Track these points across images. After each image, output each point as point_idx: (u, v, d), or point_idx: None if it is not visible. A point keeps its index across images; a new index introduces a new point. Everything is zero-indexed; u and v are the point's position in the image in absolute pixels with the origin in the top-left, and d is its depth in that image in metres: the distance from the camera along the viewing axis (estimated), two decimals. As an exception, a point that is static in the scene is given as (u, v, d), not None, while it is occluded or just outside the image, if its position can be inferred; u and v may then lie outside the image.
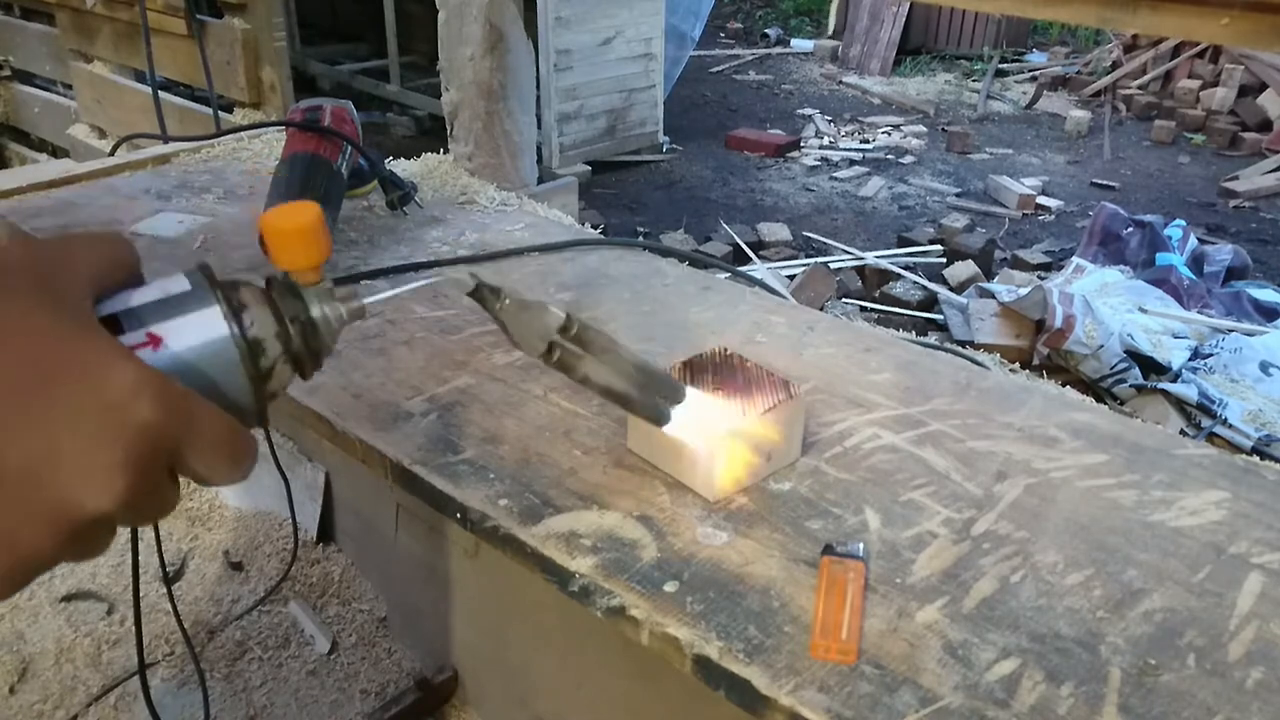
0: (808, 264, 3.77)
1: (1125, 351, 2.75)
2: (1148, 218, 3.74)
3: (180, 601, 1.60)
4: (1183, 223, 3.82)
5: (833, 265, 3.83)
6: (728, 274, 1.25)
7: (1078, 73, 7.36)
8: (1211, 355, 2.82)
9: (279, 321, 0.44)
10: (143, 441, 0.35)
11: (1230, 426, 2.47)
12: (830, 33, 8.24)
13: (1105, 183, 5.33)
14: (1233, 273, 3.56)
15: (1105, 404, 1.00)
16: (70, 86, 3.00)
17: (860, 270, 3.86)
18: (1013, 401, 0.84)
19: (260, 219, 0.46)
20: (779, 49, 8.21)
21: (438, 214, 1.24)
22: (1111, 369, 2.72)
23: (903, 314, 3.43)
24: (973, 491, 0.72)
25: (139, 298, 0.41)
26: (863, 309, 3.47)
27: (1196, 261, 3.57)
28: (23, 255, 0.37)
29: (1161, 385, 2.61)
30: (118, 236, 0.43)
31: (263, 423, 0.44)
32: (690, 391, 0.64)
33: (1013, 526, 0.68)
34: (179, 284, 0.43)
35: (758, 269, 3.75)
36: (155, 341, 0.40)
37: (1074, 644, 0.58)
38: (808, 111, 6.50)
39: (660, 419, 0.62)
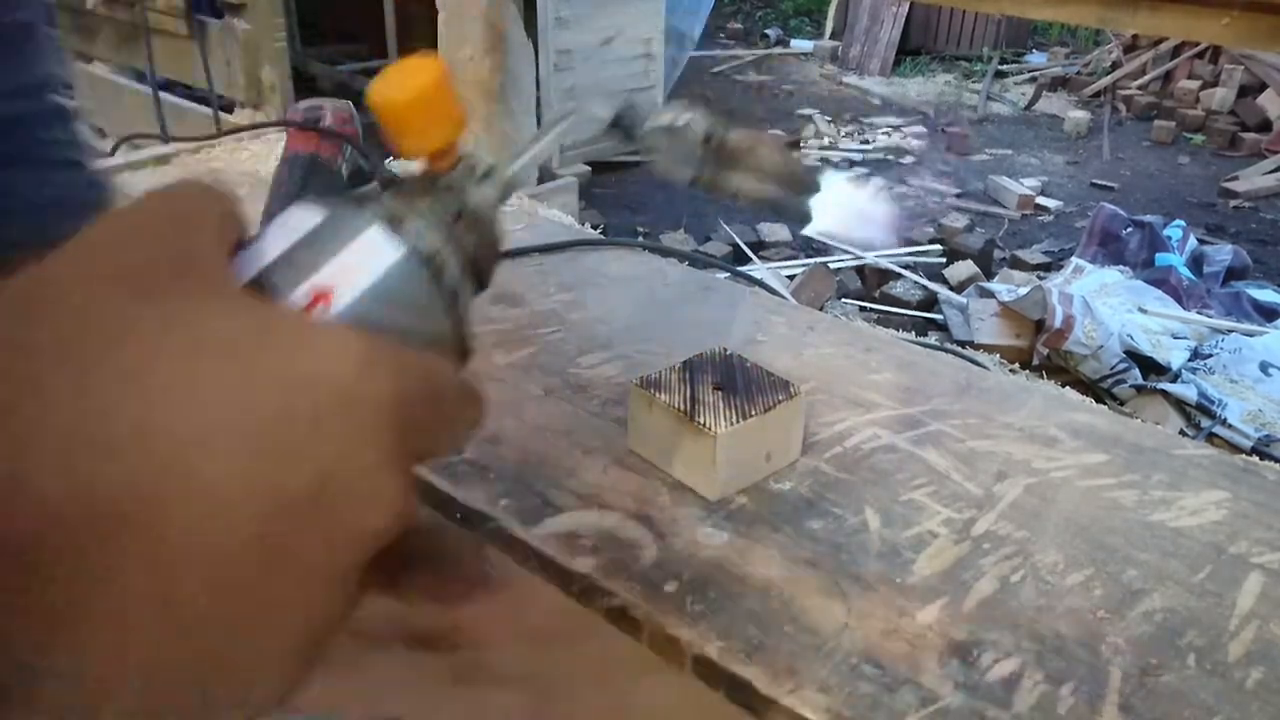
0: (808, 264, 3.77)
1: (1125, 352, 2.75)
2: (1147, 218, 3.75)
3: (180, 602, 1.61)
4: (1182, 223, 3.82)
5: (832, 265, 3.83)
6: (728, 274, 1.25)
7: (1077, 73, 7.36)
8: (1211, 355, 2.82)
9: (443, 224, 0.35)
10: (397, 423, 0.27)
11: (1230, 427, 2.47)
12: (830, 33, 8.24)
13: (1105, 183, 5.34)
14: (1232, 273, 3.56)
15: (1105, 404, 1.00)
16: (70, 86, 3.01)
17: (860, 270, 3.86)
18: (1013, 401, 0.84)
19: (370, 93, 0.35)
20: (779, 49, 8.21)
21: (438, 214, 1.24)
22: (1111, 369, 2.73)
23: (903, 314, 3.43)
24: (973, 491, 0.72)
25: (271, 248, 0.31)
26: (863, 309, 3.47)
27: (1196, 262, 3.57)
28: (150, 230, 0.28)
29: (1161, 385, 2.61)
30: (211, 183, 0.32)
31: (464, 360, 0.35)
32: (825, 179, 0.57)
33: (1013, 526, 0.68)
34: (308, 216, 0.32)
35: (758, 269, 3.75)
36: (324, 296, 0.30)
37: (1074, 644, 0.58)
38: (807, 112, 6.50)
39: (807, 217, 0.56)
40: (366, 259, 0.31)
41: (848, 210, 0.62)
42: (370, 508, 0.26)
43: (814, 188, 0.56)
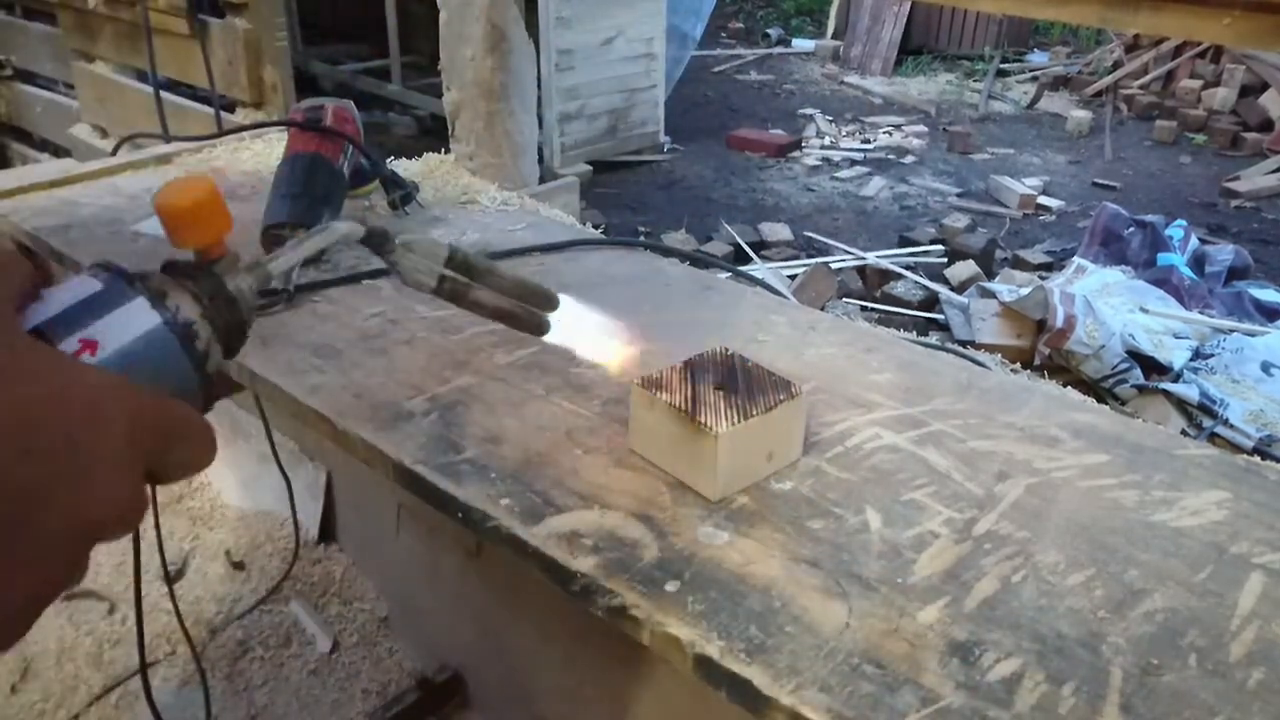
0: (809, 264, 3.77)
1: (1126, 352, 2.75)
2: (1149, 218, 3.74)
3: (182, 601, 1.60)
4: (1184, 223, 3.82)
5: (834, 265, 3.83)
6: (729, 274, 1.25)
7: (1079, 73, 7.35)
8: (1213, 355, 2.82)
9: (198, 301, 0.43)
10: (128, 447, 0.35)
11: (1231, 427, 2.47)
12: (831, 33, 8.24)
13: (1106, 183, 5.33)
14: (1234, 273, 3.55)
15: (1106, 404, 1.00)
16: (72, 86, 3.01)
17: (861, 270, 3.86)
18: (1014, 402, 0.84)
19: (155, 199, 0.46)
20: (780, 49, 8.21)
21: (439, 214, 1.24)
22: (1113, 369, 2.72)
23: (904, 314, 3.42)
24: (974, 491, 0.72)
25: (54, 306, 0.40)
26: (864, 309, 3.47)
27: (1198, 262, 3.57)
28: None
29: (1163, 385, 2.61)
30: (6, 246, 0.45)
31: (206, 409, 0.44)
32: (563, 298, 0.64)
33: (1014, 526, 0.68)
34: (89, 285, 0.41)
35: (759, 269, 3.75)
36: (90, 346, 0.39)
37: (1075, 644, 0.58)
38: (809, 111, 6.50)
39: (542, 328, 0.63)
40: (128, 322, 0.40)
41: (585, 325, 0.66)
42: (97, 503, 0.34)
43: (553, 303, 0.63)
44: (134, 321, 0.41)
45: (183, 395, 0.41)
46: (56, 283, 0.42)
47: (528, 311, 0.62)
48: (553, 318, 0.63)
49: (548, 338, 0.64)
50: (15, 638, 0.34)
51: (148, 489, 0.39)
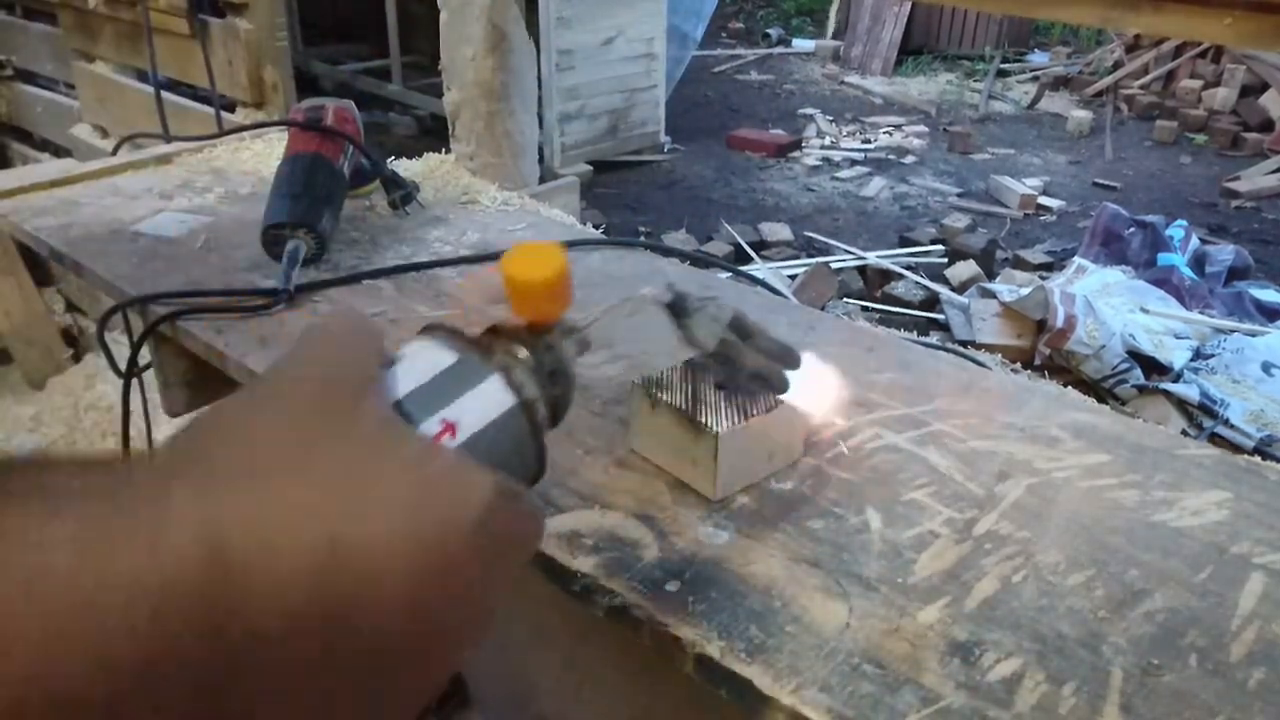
0: (809, 264, 3.77)
1: (1127, 352, 2.75)
2: (1149, 218, 3.74)
3: (182, 601, 1.61)
4: (1184, 223, 3.82)
5: (834, 265, 3.83)
6: (729, 274, 1.25)
7: (1079, 73, 7.35)
8: (1213, 356, 2.82)
9: (541, 378, 0.42)
10: (506, 551, 0.33)
11: (1232, 427, 2.46)
12: (832, 33, 8.24)
13: (1107, 183, 5.33)
14: (1234, 273, 3.55)
15: (1107, 404, 1.00)
16: (72, 86, 3.01)
17: (862, 270, 3.86)
18: (1014, 401, 0.84)
19: (504, 266, 0.42)
20: (780, 49, 8.21)
21: (440, 214, 1.24)
22: (1113, 369, 2.72)
23: (904, 314, 3.43)
24: (974, 491, 0.72)
25: (411, 380, 0.38)
26: (864, 309, 3.47)
27: (1198, 262, 3.57)
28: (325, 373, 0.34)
29: (1163, 386, 2.61)
30: (361, 315, 0.40)
31: (539, 480, 0.42)
32: (806, 357, 0.67)
33: (1014, 526, 0.68)
34: (442, 356, 0.39)
35: (759, 269, 3.75)
36: (451, 429, 0.37)
37: (1076, 644, 0.58)
38: (809, 111, 6.50)
39: (785, 387, 0.65)
40: (486, 403, 0.38)
41: (816, 383, 0.76)
42: (477, 622, 0.33)
43: (797, 361, 0.65)
44: (490, 403, 0.38)
45: (524, 476, 0.40)
46: None
47: (778, 372, 0.65)
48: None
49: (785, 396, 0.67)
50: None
51: None
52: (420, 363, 0.38)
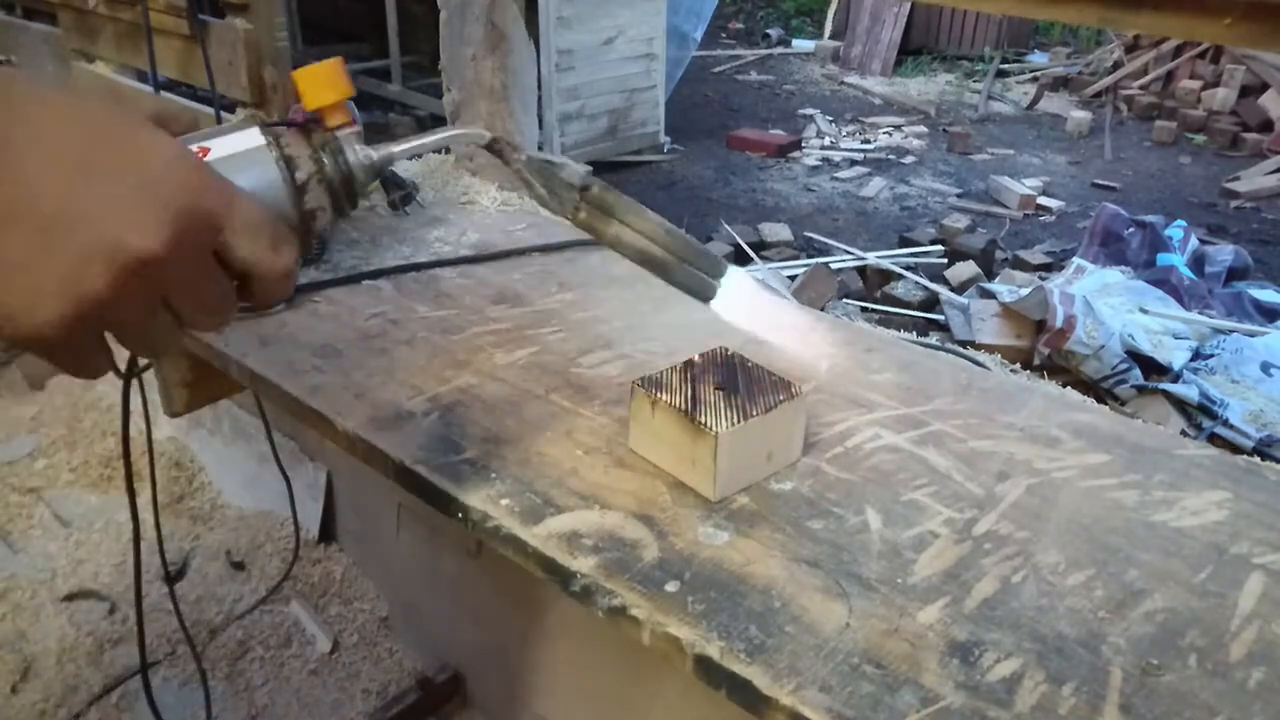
0: (809, 264, 3.77)
1: (1126, 352, 2.75)
2: (1149, 218, 3.74)
3: (182, 601, 1.60)
4: (1184, 223, 3.82)
5: (834, 265, 3.83)
6: (729, 274, 1.25)
7: (1079, 73, 7.35)
8: (1213, 356, 2.82)
9: (312, 147, 0.51)
10: (185, 199, 0.40)
11: (1231, 427, 2.47)
12: (831, 33, 8.24)
13: (1106, 183, 5.33)
14: (1234, 273, 3.55)
15: (1106, 404, 1.00)
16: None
17: (861, 270, 3.86)
18: (1014, 402, 0.84)
19: (293, 72, 0.56)
20: (780, 49, 8.21)
21: (439, 214, 1.24)
22: (1112, 369, 2.72)
23: (904, 314, 3.42)
24: (974, 492, 0.72)
25: (194, 135, 0.48)
26: (864, 309, 3.47)
27: (1197, 262, 3.57)
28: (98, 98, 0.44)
29: (1163, 386, 2.61)
30: (175, 101, 0.53)
31: (305, 243, 0.51)
32: (733, 269, 0.62)
33: (1014, 527, 0.68)
34: (228, 124, 0.51)
35: (759, 269, 3.75)
36: (203, 152, 0.47)
37: (1075, 644, 0.58)
38: (809, 112, 6.50)
39: (704, 291, 0.60)
40: (239, 141, 0.49)
41: (758, 309, 0.64)
42: (135, 231, 0.39)
43: (719, 268, 0.61)
44: (244, 141, 0.49)
45: (276, 214, 0.48)
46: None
47: (686, 268, 0.59)
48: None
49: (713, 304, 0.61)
50: (50, 329, 0.39)
51: (228, 282, 0.44)
52: (209, 129, 0.49)
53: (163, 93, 2.39)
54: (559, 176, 0.57)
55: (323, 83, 0.55)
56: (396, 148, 0.56)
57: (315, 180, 0.51)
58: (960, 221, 4.43)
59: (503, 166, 0.58)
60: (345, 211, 0.53)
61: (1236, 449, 2.34)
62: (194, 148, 0.47)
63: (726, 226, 4.36)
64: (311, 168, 0.51)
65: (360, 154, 0.54)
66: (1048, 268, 3.91)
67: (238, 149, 0.48)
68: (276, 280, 0.44)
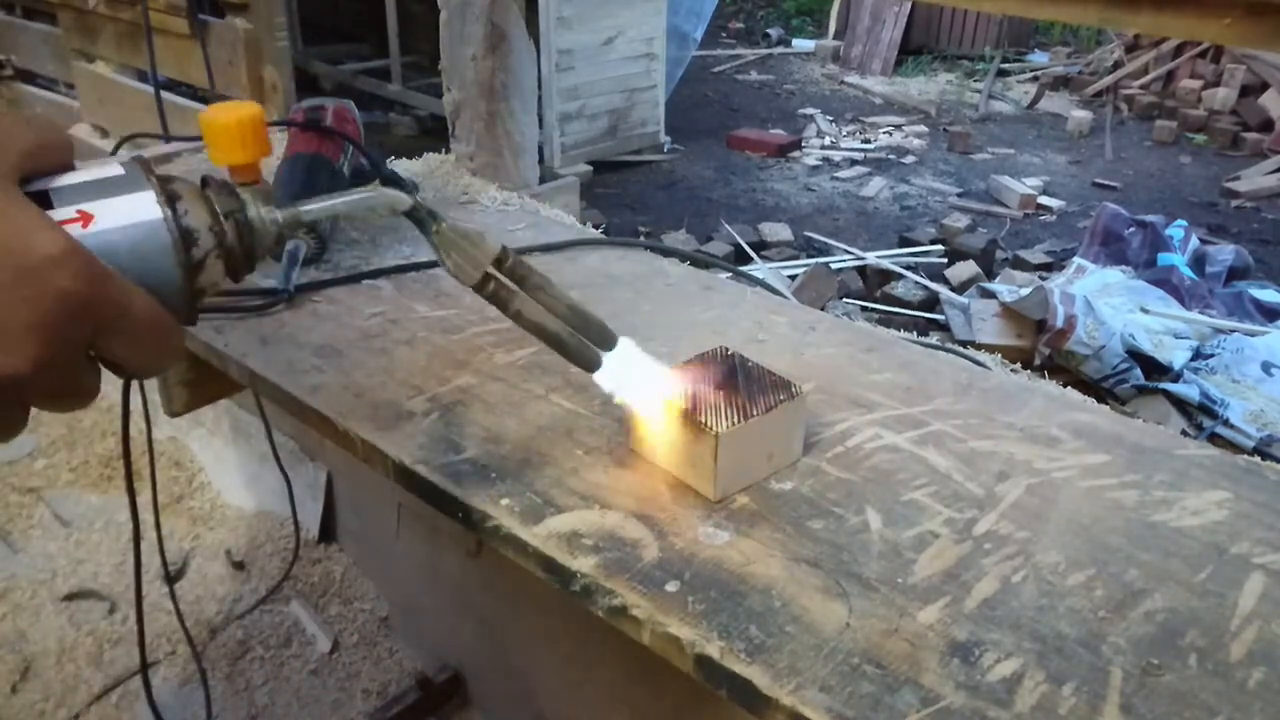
0: (809, 264, 3.77)
1: (1127, 352, 2.75)
2: (1149, 218, 3.74)
3: (182, 600, 1.61)
4: (1184, 223, 3.82)
5: (834, 265, 3.83)
6: (729, 274, 1.25)
7: (1079, 73, 7.36)
8: (1213, 355, 2.82)
9: (213, 215, 0.44)
10: (59, 309, 0.36)
11: (1232, 427, 2.47)
12: (832, 33, 8.24)
13: (1107, 183, 5.33)
14: (1234, 273, 3.56)
15: (1107, 404, 1.00)
16: (72, 86, 3.00)
17: (862, 270, 3.86)
18: (1014, 402, 0.84)
19: (200, 115, 0.49)
20: (781, 49, 8.21)
21: (439, 213, 1.24)
22: (1113, 369, 2.72)
23: (904, 314, 3.43)
24: (974, 491, 0.72)
25: (70, 179, 0.42)
26: (864, 309, 3.47)
27: (1198, 262, 3.57)
28: None
29: (1163, 386, 2.61)
30: (50, 123, 0.44)
31: (191, 320, 0.45)
32: (623, 341, 0.63)
33: (1014, 527, 0.68)
34: (113, 169, 0.42)
35: (759, 269, 3.75)
36: (85, 219, 0.40)
37: (1076, 644, 0.58)
38: (809, 111, 6.50)
39: (590, 365, 0.61)
40: (130, 208, 0.41)
41: (638, 374, 0.67)
42: (2, 355, 0.35)
43: (609, 341, 0.61)
44: (137, 210, 0.42)
45: (163, 297, 0.42)
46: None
47: (577, 341, 0.60)
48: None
49: (595, 377, 0.63)
50: None
51: (98, 370, 0.41)
52: (93, 171, 0.42)
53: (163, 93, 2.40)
54: (477, 248, 0.56)
55: (234, 140, 0.50)
56: (304, 208, 0.50)
57: (214, 256, 0.45)
58: (960, 221, 4.43)
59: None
60: (239, 278, 0.48)
61: (1237, 449, 2.34)
62: (74, 210, 0.40)
63: (727, 226, 4.36)
64: (210, 242, 0.44)
65: (266, 218, 0.48)
66: (1048, 267, 3.91)
67: (128, 220, 0.41)
68: (152, 374, 0.42)
